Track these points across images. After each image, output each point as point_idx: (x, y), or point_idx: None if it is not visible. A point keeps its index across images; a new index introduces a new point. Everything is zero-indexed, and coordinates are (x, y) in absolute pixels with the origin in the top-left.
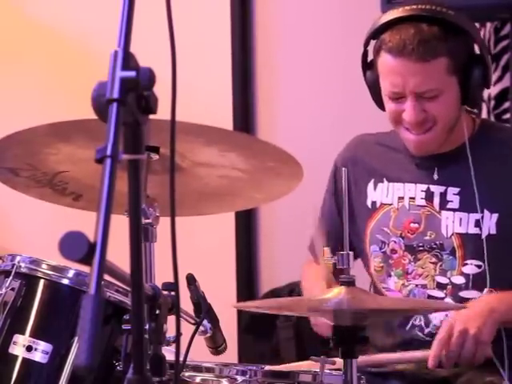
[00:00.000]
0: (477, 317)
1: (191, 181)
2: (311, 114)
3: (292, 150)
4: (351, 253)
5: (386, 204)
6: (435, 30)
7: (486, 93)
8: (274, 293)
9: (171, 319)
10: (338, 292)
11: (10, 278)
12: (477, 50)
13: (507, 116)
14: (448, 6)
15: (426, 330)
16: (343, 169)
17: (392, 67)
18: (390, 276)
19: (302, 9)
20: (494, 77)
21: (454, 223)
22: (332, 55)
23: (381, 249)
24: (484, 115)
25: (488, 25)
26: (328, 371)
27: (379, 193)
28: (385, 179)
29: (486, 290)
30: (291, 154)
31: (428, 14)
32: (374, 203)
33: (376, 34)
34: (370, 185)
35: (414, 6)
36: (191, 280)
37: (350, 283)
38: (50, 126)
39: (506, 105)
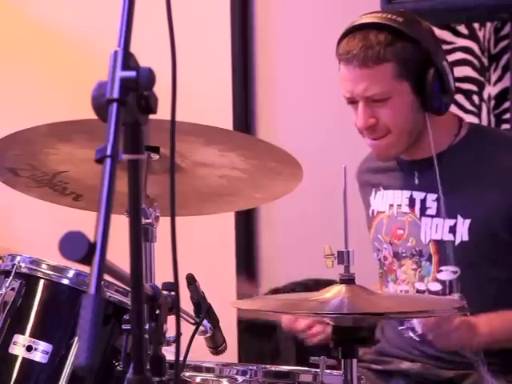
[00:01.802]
0: (468, 318)
1: (191, 181)
2: (311, 114)
3: (292, 150)
4: (351, 250)
5: (380, 212)
6: (381, 37)
7: (486, 93)
8: (274, 293)
9: (171, 319)
10: (337, 291)
11: (10, 278)
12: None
13: (507, 116)
14: (401, 14)
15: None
16: (343, 166)
17: (342, 73)
18: (388, 281)
19: (302, 8)
20: (494, 77)
21: (431, 229)
22: (332, 55)
23: (377, 256)
24: (484, 115)
25: (488, 25)
26: (328, 371)
27: (377, 201)
28: (381, 187)
29: (456, 295)
30: (291, 154)
31: (377, 21)
32: (373, 212)
33: (338, 44)
34: (372, 195)
35: (369, 15)
36: (191, 280)
37: (349, 281)
38: (50, 125)
39: (506, 105)
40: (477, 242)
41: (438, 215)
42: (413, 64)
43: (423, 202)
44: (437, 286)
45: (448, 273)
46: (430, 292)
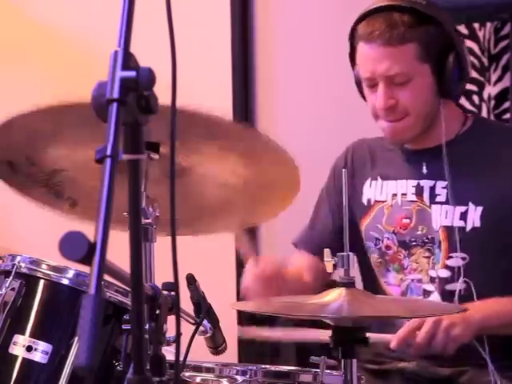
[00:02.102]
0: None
1: (191, 181)
2: (311, 114)
3: (292, 151)
4: (351, 254)
5: (379, 201)
6: (405, 18)
7: (486, 93)
8: None
9: (171, 319)
10: (337, 294)
11: (10, 278)
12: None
13: (507, 116)
14: None
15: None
16: (343, 170)
17: (363, 53)
18: (388, 271)
19: (302, 8)
20: (494, 77)
21: (440, 216)
22: (332, 54)
23: (376, 245)
24: (484, 115)
25: (488, 25)
26: (328, 371)
27: (373, 190)
28: (379, 177)
29: (461, 279)
30: (291, 154)
31: (400, 4)
32: (369, 200)
33: (354, 28)
34: (366, 184)
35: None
36: (191, 280)
37: (349, 284)
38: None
39: (506, 105)
40: (489, 228)
41: (447, 202)
42: (435, 47)
43: (432, 189)
44: (446, 273)
45: (457, 259)
46: (439, 278)
